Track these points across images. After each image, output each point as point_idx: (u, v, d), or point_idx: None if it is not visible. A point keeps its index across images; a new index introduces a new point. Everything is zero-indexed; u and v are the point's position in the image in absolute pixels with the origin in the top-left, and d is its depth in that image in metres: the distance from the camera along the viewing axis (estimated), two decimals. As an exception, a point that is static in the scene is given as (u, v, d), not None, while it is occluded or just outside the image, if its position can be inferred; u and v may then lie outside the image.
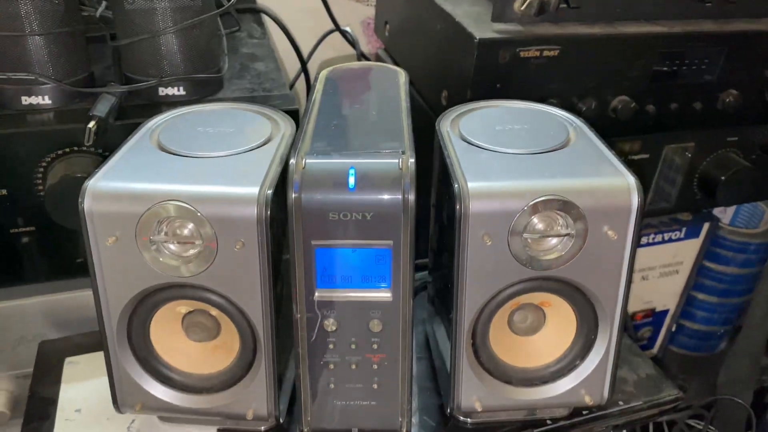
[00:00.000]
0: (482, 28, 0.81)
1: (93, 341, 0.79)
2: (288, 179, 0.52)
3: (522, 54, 0.81)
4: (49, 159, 0.70)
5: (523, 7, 0.79)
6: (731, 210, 1.21)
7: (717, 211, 1.17)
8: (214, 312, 0.60)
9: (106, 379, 0.69)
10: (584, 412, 0.69)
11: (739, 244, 1.15)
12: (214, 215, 0.53)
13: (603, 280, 0.58)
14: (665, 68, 0.89)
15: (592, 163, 0.58)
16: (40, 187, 0.71)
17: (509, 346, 0.63)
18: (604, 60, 0.86)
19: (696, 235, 1.11)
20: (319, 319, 0.55)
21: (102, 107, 0.66)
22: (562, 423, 0.67)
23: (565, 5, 0.80)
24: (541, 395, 0.63)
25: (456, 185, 0.55)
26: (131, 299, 0.57)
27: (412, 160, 0.52)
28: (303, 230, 0.52)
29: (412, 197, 0.52)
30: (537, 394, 0.63)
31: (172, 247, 0.55)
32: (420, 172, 0.52)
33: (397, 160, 0.52)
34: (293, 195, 0.51)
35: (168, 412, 0.62)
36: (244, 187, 0.54)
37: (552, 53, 0.83)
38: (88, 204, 0.53)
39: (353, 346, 0.56)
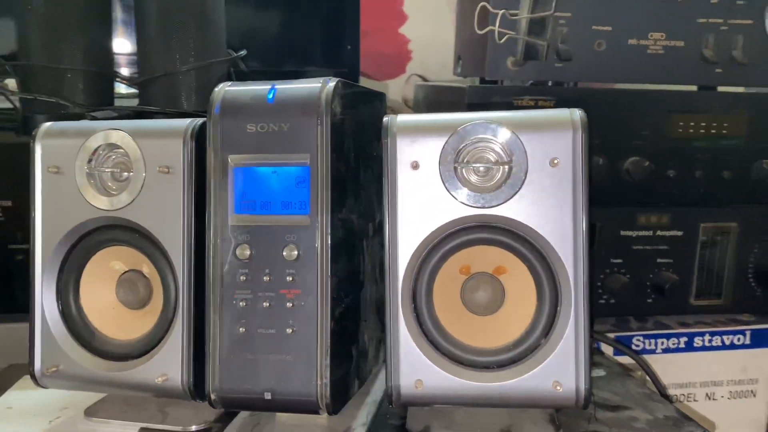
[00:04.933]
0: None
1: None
2: (210, 103, 0.53)
3: (516, 103, 0.82)
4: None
5: (515, 59, 0.82)
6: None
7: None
8: (147, 270, 0.58)
9: (52, 391, 0.66)
10: (573, 440, 0.55)
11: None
12: (145, 142, 0.54)
13: (553, 221, 0.50)
14: (680, 129, 0.86)
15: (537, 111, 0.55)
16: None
17: (465, 325, 0.54)
18: (606, 116, 0.84)
19: (766, 342, 0.94)
20: (233, 245, 0.51)
21: (102, 114, 0.73)
22: (541, 447, 0.54)
23: (557, 59, 0.82)
24: (501, 380, 0.51)
25: (385, 119, 0.53)
26: (65, 237, 0.56)
27: (332, 84, 0.52)
28: (220, 145, 0.52)
29: (329, 114, 0.50)
30: (495, 379, 0.52)
31: (107, 178, 0.56)
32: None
33: (318, 84, 0.52)
34: (214, 114, 0.52)
35: (78, 383, 0.57)
36: (176, 122, 0.56)
37: (548, 105, 0.83)
38: (38, 140, 0.57)
39: (266, 278, 0.50)
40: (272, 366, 0.50)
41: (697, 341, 0.93)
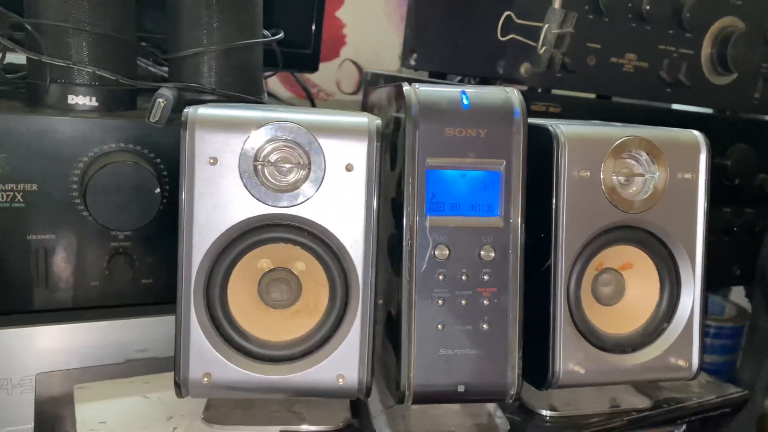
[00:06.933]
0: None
1: (97, 376, 0.67)
2: (405, 104, 0.53)
3: (533, 108, 0.91)
4: (92, 154, 0.66)
5: (530, 66, 0.89)
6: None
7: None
8: (299, 268, 0.55)
9: (129, 400, 0.61)
10: (664, 406, 0.65)
11: (714, 329, 1.21)
12: (326, 138, 0.52)
13: (683, 224, 0.60)
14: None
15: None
16: (75, 186, 0.66)
17: (597, 313, 0.61)
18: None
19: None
20: (431, 245, 0.52)
21: (166, 92, 0.65)
22: (646, 413, 0.64)
23: (563, 69, 0.92)
24: (635, 361, 0.60)
25: (551, 128, 0.58)
26: (220, 236, 0.52)
27: (518, 92, 0.55)
28: (418, 147, 0.52)
29: (525, 123, 0.54)
30: (631, 360, 0.60)
31: (271, 172, 0.52)
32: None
33: (506, 92, 0.55)
34: (411, 115, 0.52)
35: (237, 390, 0.53)
36: (354, 117, 0.54)
37: (555, 110, 0.92)
38: (192, 127, 0.51)
39: (464, 278, 0.53)
40: (467, 360, 0.53)
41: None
